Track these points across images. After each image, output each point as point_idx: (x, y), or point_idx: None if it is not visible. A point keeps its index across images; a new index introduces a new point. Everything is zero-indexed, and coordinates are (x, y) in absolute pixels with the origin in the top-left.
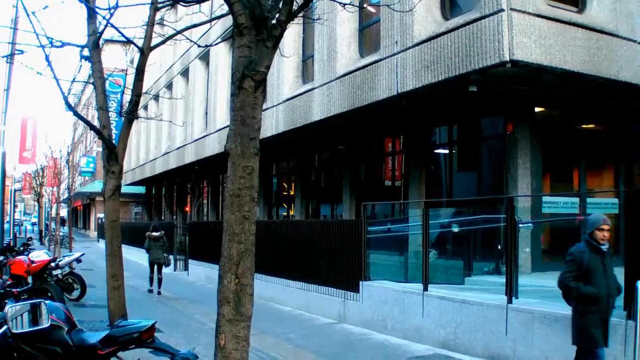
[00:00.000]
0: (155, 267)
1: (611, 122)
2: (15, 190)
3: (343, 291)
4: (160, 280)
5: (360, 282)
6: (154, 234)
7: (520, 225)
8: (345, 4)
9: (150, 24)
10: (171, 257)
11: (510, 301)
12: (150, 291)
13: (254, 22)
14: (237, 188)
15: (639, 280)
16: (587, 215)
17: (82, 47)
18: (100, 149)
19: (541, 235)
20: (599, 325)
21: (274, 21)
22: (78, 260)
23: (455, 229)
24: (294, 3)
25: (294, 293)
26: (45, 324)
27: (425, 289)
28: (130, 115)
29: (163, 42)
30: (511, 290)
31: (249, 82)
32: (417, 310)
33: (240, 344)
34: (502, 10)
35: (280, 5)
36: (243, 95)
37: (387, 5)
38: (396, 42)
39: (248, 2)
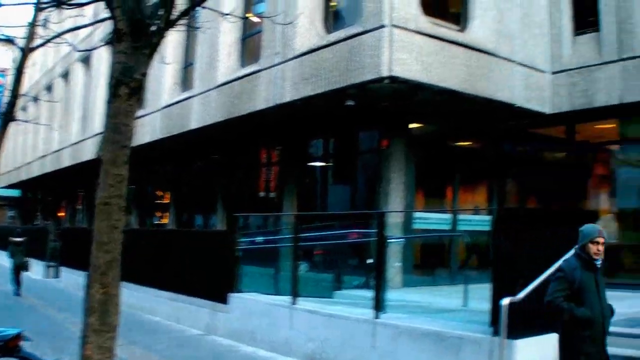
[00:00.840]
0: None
1: (486, 140)
2: None
3: (213, 302)
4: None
5: (230, 294)
6: (16, 239)
7: (391, 240)
8: (225, 14)
9: (33, 24)
10: (34, 261)
11: (377, 316)
12: (19, 294)
13: (133, 29)
14: (107, 196)
15: (505, 297)
16: (458, 232)
17: None
18: None
19: (412, 250)
20: (592, 352)
21: (154, 28)
22: None
23: (328, 242)
24: (173, 11)
25: (165, 303)
26: None
27: (294, 302)
28: (7, 116)
29: (44, 44)
30: (379, 305)
31: (124, 89)
32: (286, 323)
33: (106, 354)
34: (384, 26)
35: (160, 13)
36: (117, 102)
37: (267, 17)
38: (277, 53)
39: (128, 7)
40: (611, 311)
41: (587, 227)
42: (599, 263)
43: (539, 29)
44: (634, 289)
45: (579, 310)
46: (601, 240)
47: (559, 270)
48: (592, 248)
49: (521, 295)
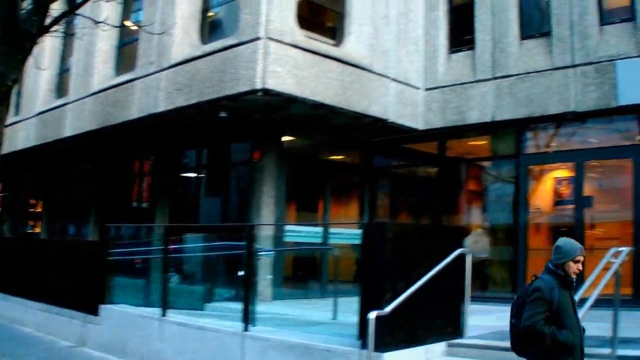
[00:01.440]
0: None
1: (359, 154)
2: None
3: (84, 314)
4: None
5: (101, 305)
6: None
7: (260, 252)
8: (98, 22)
9: None
10: None
11: (246, 329)
12: None
13: (5, 34)
14: None
15: (373, 310)
16: (327, 245)
17: None
18: None
19: (283, 263)
20: None
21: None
22: None
23: (199, 254)
24: (47, 17)
25: (36, 314)
26: None
27: (164, 314)
28: None
29: None
30: (248, 317)
31: None
32: (157, 336)
33: None
34: (259, 38)
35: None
36: None
37: (141, 26)
38: (152, 62)
39: (1, 13)
40: (583, 330)
41: (566, 243)
42: (574, 280)
43: (414, 45)
44: (502, 302)
45: (561, 334)
46: (582, 258)
47: (535, 290)
48: (573, 267)
49: (388, 308)
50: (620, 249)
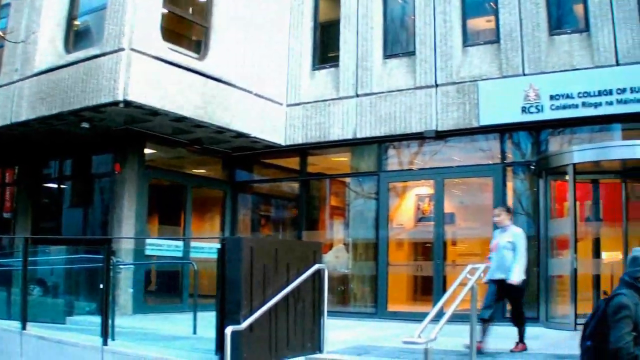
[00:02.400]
0: None
1: (221, 168)
2: None
3: None
4: None
5: None
6: None
7: (120, 266)
8: None
9: None
10: None
11: (105, 343)
12: None
13: None
14: None
15: (230, 325)
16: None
17: None
18: None
19: (145, 277)
20: None
21: None
22: None
23: (61, 267)
24: None
25: None
26: None
27: (24, 327)
28: None
29: None
30: (107, 332)
31: None
32: (17, 350)
33: None
34: (123, 49)
35: None
36: None
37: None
38: (16, 70)
39: None
40: None
41: None
42: None
43: (278, 61)
44: (363, 317)
45: None
46: None
47: (621, 307)
48: None
49: (245, 323)
50: (477, 265)
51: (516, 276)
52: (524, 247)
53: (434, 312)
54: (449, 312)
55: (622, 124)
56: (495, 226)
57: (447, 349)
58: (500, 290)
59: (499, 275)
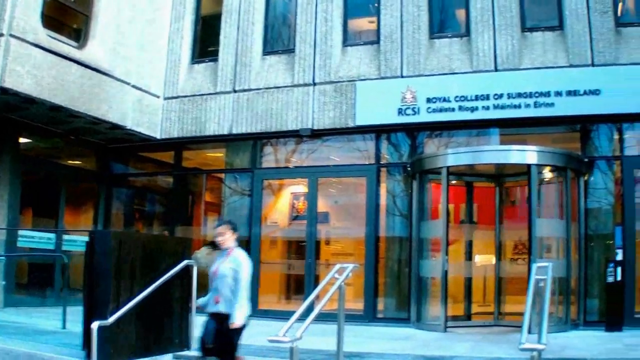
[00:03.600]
0: None
1: (96, 160)
2: None
3: None
4: None
5: None
6: None
7: None
8: None
9: None
10: None
11: None
12: None
13: None
14: None
15: (96, 320)
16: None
17: None
18: None
19: (16, 269)
20: None
21: None
22: None
23: None
24: None
25: None
26: None
27: None
28: None
29: None
30: None
31: None
32: None
33: None
34: (2, 34)
35: None
36: None
37: None
38: None
39: None
40: None
41: None
42: None
43: (157, 53)
44: None
45: None
46: None
47: None
48: None
49: (112, 319)
50: (345, 265)
51: (239, 318)
52: (247, 277)
53: (300, 311)
54: (314, 312)
55: (500, 129)
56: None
57: (315, 349)
58: (220, 325)
59: (219, 309)
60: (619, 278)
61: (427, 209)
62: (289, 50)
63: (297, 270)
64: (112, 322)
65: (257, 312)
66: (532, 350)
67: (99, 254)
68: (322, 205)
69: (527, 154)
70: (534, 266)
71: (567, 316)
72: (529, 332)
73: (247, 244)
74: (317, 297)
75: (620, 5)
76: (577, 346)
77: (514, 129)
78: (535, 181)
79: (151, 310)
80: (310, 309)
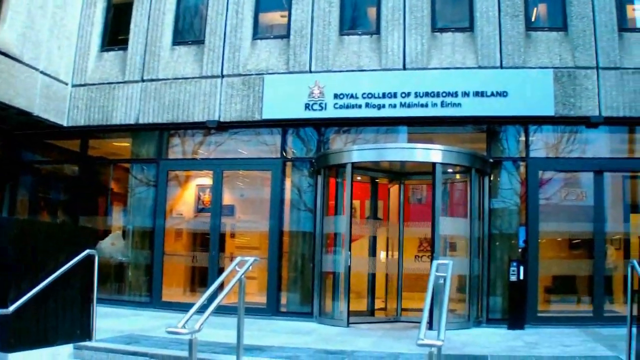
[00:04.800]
0: None
1: (2, 147)
2: None
3: None
4: None
5: None
6: None
7: None
8: None
9: None
10: None
11: None
12: None
13: None
14: None
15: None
16: None
17: None
18: None
19: None
20: None
21: None
22: None
23: None
24: None
25: None
26: None
27: None
28: None
29: None
30: None
31: None
32: None
33: None
34: None
35: None
36: None
37: None
38: None
39: None
40: None
41: None
42: None
43: (67, 39)
44: (138, 306)
45: None
46: None
47: None
48: None
49: (12, 308)
50: (246, 258)
51: None
52: None
53: (199, 303)
54: (214, 304)
55: (408, 128)
56: None
57: (216, 341)
58: None
59: None
60: (521, 277)
61: (332, 205)
62: (199, 42)
63: (201, 262)
64: (12, 310)
65: (160, 303)
66: (430, 346)
67: (0, 242)
68: (227, 198)
69: (431, 152)
70: (435, 263)
71: (470, 314)
72: (432, 328)
73: (151, 235)
74: (220, 289)
75: (532, 10)
76: (478, 343)
77: (422, 127)
78: (439, 180)
79: (52, 300)
80: (211, 301)
